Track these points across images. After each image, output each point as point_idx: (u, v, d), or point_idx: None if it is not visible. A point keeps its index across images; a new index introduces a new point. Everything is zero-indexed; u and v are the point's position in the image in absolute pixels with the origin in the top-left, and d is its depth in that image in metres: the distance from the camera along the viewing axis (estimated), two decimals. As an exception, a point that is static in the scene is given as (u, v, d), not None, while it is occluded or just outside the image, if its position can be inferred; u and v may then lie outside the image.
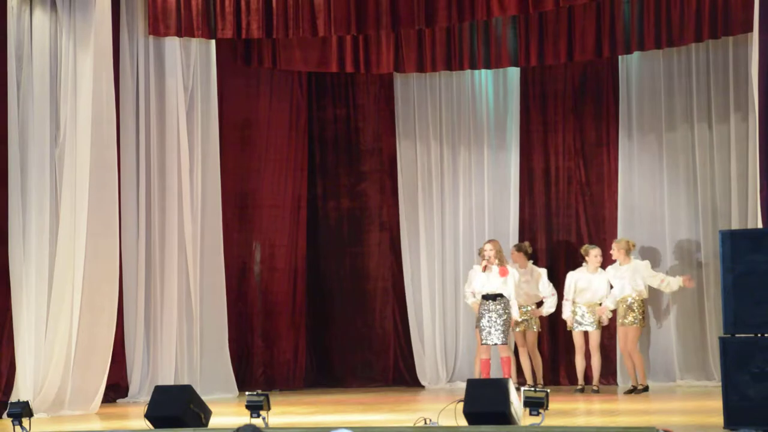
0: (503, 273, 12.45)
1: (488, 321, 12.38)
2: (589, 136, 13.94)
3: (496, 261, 12.49)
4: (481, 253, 12.64)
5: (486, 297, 12.46)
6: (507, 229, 13.90)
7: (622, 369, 13.24)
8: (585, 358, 12.82)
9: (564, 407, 10.82)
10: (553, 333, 13.70)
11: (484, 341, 12.44)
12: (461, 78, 14.20)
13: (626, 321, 12.53)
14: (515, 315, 12.50)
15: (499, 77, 14.12)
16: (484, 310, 12.44)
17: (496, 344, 12.38)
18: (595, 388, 12.70)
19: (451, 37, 13.44)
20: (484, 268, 12.48)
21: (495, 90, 14.16)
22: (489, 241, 12.74)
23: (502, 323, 12.35)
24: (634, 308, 12.51)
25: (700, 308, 13.21)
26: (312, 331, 14.68)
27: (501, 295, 12.41)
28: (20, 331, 11.20)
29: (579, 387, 12.76)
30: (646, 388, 12.51)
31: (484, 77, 14.15)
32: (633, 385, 12.55)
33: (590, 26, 12.96)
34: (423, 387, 13.84)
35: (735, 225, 12.71)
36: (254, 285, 14.15)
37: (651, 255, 13.24)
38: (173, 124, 12.65)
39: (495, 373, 12.72)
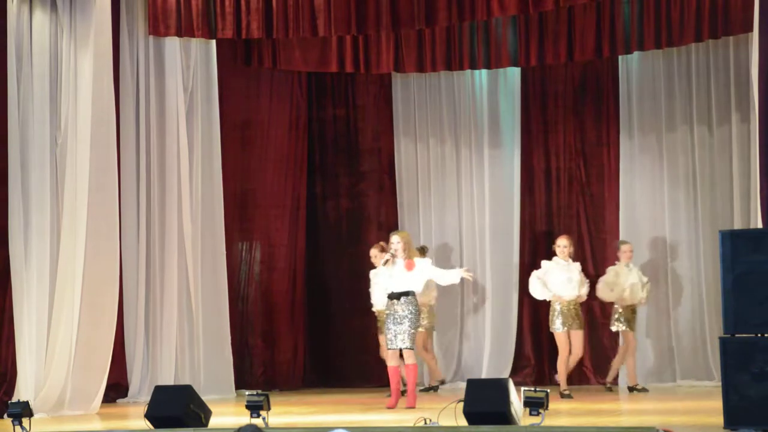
0: (409, 267, 10.99)
1: (393, 323, 10.97)
2: (589, 136, 13.95)
3: (404, 254, 11.05)
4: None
5: (391, 296, 11.04)
6: (507, 229, 13.90)
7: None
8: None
9: (564, 407, 10.82)
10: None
11: (388, 346, 11.08)
12: (461, 78, 14.20)
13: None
14: (454, 279, 11.24)
15: (499, 77, 14.11)
16: (389, 311, 11.03)
17: (400, 349, 11.06)
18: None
19: (451, 37, 13.44)
20: (386, 262, 11.14)
21: (495, 90, 14.15)
22: (397, 233, 11.36)
23: (408, 325, 10.96)
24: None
25: (700, 308, 13.22)
26: (312, 331, 14.68)
27: (407, 293, 11.01)
28: (21, 331, 11.19)
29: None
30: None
31: (484, 77, 14.15)
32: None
33: (590, 26, 12.95)
34: (423, 387, 13.83)
35: (735, 225, 12.71)
36: (254, 285, 14.15)
37: (651, 254, 13.24)
38: (173, 124, 12.65)
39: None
